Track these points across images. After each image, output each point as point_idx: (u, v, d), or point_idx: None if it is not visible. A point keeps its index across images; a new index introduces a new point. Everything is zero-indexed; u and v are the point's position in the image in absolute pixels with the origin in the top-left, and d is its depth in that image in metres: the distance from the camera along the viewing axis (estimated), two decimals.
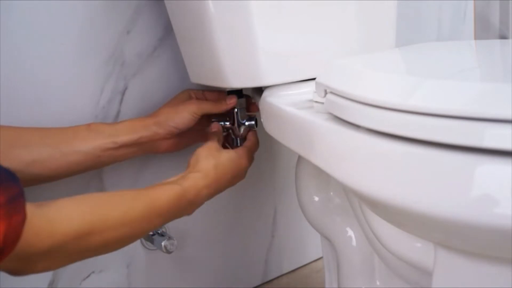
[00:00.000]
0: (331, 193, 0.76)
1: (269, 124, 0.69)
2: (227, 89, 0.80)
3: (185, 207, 0.64)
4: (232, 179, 0.72)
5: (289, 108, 0.60)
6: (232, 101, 0.78)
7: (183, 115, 0.74)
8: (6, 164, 0.52)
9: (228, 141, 0.83)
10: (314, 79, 0.56)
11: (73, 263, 0.53)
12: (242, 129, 0.81)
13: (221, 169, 0.69)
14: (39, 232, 0.45)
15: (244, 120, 0.80)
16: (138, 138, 0.71)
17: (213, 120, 0.81)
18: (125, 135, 0.70)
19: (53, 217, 0.47)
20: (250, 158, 0.75)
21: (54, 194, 0.62)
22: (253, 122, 0.80)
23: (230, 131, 0.83)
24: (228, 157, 0.70)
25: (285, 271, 1.05)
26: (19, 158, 0.62)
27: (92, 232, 0.51)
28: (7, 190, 0.42)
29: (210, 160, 0.68)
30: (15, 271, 0.48)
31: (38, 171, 0.64)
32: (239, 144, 0.83)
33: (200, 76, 0.79)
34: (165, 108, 0.75)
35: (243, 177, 0.75)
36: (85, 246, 0.51)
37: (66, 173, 0.68)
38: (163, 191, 0.61)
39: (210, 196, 0.68)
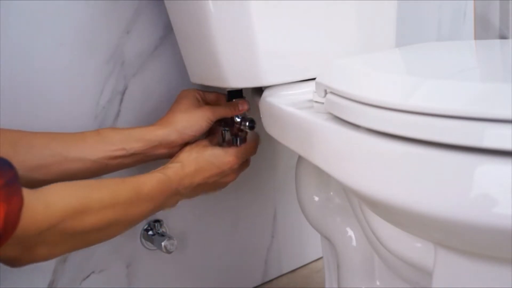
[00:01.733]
0: (331, 193, 0.76)
1: (269, 124, 0.69)
2: (227, 89, 0.80)
3: (170, 195, 0.64)
4: (217, 175, 0.70)
5: (289, 108, 0.60)
6: (244, 106, 0.77)
7: (201, 123, 0.72)
8: None
9: (229, 143, 0.83)
10: (314, 79, 0.56)
11: (70, 251, 0.54)
12: (239, 129, 0.81)
13: (202, 161, 0.69)
14: (36, 215, 0.46)
15: (241, 120, 0.80)
16: (152, 148, 0.69)
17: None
18: (137, 143, 0.68)
19: (49, 200, 0.49)
20: (240, 158, 0.73)
21: None
22: (252, 124, 0.80)
23: (229, 131, 0.83)
24: (212, 153, 0.70)
25: (285, 271, 1.05)
26: (22, 163, 0.60)
27: (85, 211, 0.52)
28: (3, 174, 0.42)
29: (193, 153, 0.69)
30: (15, 260, 0.48)
31: (41, 177, 0.62)
32: (238, 145, 0.83)
33: (200, 76, 0.79)
34: (178, 114, 0.72)
35: (232, 176, 0.73)
36: (80, 228, 0.52)
37: (69, 179, 0.66)
38: (149, 177, 0.62)
39: (193, 188, 0.68)
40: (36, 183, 0.62)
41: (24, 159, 0.61)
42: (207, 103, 0.78)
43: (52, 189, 0.50)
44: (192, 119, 0.72)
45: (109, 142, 0.67)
